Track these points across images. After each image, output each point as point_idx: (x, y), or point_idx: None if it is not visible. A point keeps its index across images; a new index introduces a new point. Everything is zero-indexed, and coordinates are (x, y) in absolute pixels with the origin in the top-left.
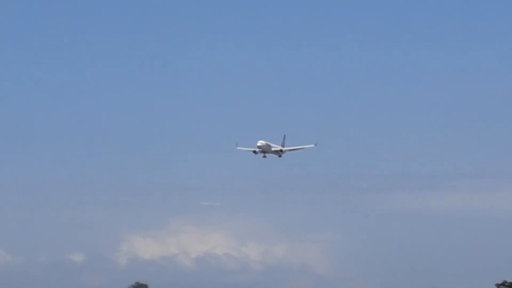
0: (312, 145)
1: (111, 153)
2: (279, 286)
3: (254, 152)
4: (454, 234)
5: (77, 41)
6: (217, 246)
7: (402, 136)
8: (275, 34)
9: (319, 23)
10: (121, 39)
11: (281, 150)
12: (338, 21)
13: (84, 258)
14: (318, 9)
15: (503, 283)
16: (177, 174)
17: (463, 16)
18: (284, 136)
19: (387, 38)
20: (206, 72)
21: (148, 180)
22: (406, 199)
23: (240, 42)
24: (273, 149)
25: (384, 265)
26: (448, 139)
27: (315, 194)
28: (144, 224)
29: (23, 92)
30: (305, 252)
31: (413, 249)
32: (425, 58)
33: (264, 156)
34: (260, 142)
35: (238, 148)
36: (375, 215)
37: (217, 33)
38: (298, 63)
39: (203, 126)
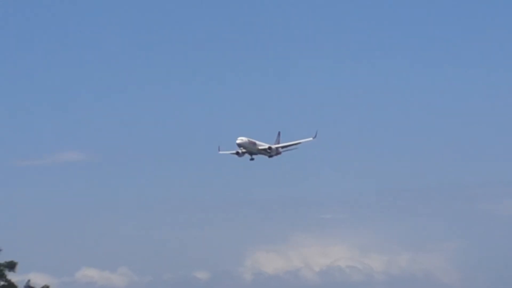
0: (310, 139)
1: (231, 169)
2: None
3: (237, 153)
4: None
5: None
6: (340, 259)
7: None
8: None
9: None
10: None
11: (269, 148)
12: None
13: (209, 275)
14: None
15: None
16: (297, 188)
17: None
18: (279, 133)
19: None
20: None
21: (268, 194)
22: None
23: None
24: (260, 147)
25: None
26: None
27: (436, 203)
28: (266, 239)
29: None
30: (429, 261)
31: None
32: None
33: (252, 159)
34: (240, 139)
35: (220, 152)
36: (501, 222)
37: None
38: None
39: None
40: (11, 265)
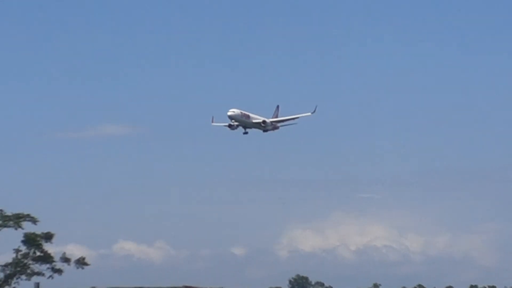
0: (309, 114)
1: (270, 148)
2: (440, 278)
3: (230, 126)
4: None
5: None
6: (377, 238)
7: None
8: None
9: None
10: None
11: (263, 122)
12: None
13: (246, 252)
14: None
15: None
16: (337, 167)
17: None
18: (277, 107)
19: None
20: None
21: (303, 174)
22: None
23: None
24: (254, 120)
25: None
26: None
27: (476, 184)
28: (304, 217)
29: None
30: (467, 243)
31: None
32: None
33: (245, 132)
34: (232, 111)
35: (213, 124)
36: None
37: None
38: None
39: (361, 120)
40: (48, 236)
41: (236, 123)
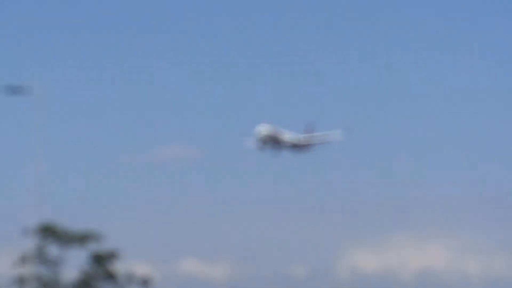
0: (339, 131)
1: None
2: None
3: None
4: None
5: None
6: (436, 260)
7: None
8: None
9: None
10: None
11: (296, 141)
12: None
13: (306, 272)
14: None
15: None
16: (394, 189)
17: None
18: (311, 125)
19: None
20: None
21: (365, 195)
22: None
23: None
24: (286, 139)
25: None
26: None
27: None
28: (363, 238)
29: None
30: None
31: None
32: None
33: (276, 153)
34: (265, 128)
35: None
36: None
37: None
38: None
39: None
40: (114, 254)
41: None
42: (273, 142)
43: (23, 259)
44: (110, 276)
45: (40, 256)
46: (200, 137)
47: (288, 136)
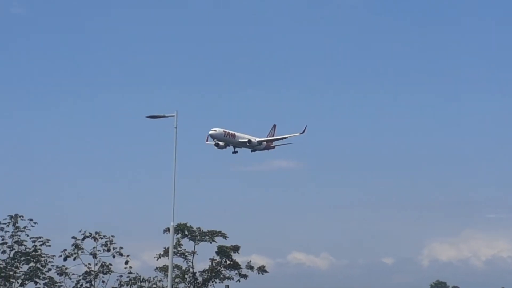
0: (297, 134)
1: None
2: None
3: (217, 145)
4: None
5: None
6: (503, 250)
7: None
8: None
9: None
10: None
11: (249, 142)
12: None
13: (394, 261)
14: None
15: None
16: (463, 189)
17: None
18: (274, 126)
19: None
20: None
21: (440, 195)
22: None
23: None
24: (240, 140)
25: None
26: None
27: None
28: (440, 233)
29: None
30: None
31: None
32: None
33: (235, 152)
34: (213, 130)
35: (207, 143)
36: None
37: None
38: None
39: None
40: (236, 248)
41: (222, 143)
42: (227, 142)
43: (165, 252)
44: (233, 265)
45: (178, 250)
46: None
47: (241, 136)
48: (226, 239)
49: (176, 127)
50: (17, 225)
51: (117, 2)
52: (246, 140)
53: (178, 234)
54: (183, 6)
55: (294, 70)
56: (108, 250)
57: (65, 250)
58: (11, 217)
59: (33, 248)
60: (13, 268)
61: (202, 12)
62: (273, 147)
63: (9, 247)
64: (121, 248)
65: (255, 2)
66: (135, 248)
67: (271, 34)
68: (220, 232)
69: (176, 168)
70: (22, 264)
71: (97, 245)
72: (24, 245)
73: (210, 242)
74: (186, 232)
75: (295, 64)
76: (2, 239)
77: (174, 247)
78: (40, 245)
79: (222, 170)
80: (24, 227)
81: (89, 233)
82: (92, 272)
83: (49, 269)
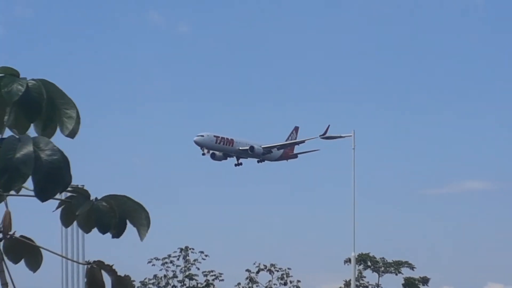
0: (317, 137)
1: None
2: None
3: (212, 156)
4: None
5: None
6: None
7: None
8: None
9: None
10: None
11: (251, 149)
12: None
13: None
14: None
15: None
16: None
17: None
18: (296, 129)
19: None
20: None
21: None
22: None
23: None
24: (240, 147)
25: None
26: None
27: None
28: None
29: None
30: None
31: None
32: None
33: (238, 163)
34: (200, 136)
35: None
36: None
37: None
38: None
39: None
40: (425, 280)
41: (220, 152)
42: (220, 150)
43: (346, 286)
44: None
45: (360, 283)
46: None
47: (242, 143)
48: (413, 270)
49: (354, 148)
50: (187, 258)
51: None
52: (248, 147)
53: (360, 265)
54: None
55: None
56: (285, 284)
57: (239, 284)
58: (181, 249)
59: (205, 283)
60: None
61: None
62: (295, 155)
63: (180, 281)
64: (298, 281)
65: None
66: (313, 281)
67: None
68: (406, 262)
69: (355, 192)
70: None
71: (272, 278)
72: (196, 280)
73: (396, 274)
74: (369, 263)
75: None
76: (173, 274)
77: (356, 280)
78: (213, 279)
79: (409, 194)
80: (195, 260)
81: (264, 265)
82: None
83: None
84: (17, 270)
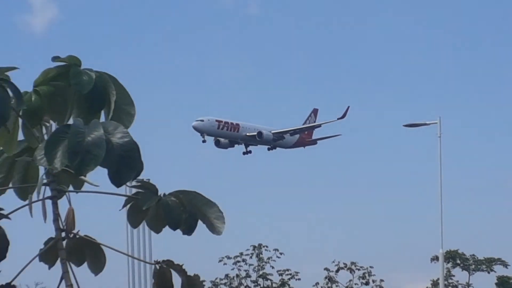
0: (335, 120)
1: None
2: None
3: (216, 143)
4: None
5: None
6: None
7: None
8: None
9: None
10: None
11: (259, 135)
12: None
13: None
14: None
15: None
16: None
17: None
18: (315, 112)
19: None
20: None
21: None
22: None
23: None
24: (247, 133)
25: None
26: None
27: None
28: None
29: None
30: None
31: None
32: None
33: (247, 151)
34: (199, 120)
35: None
36: None
37: None
38: None
39: None
40: None
41: (225, 139)
42: (225, 137)
43: (433, 285)
44: None
45: (449, 282)
46: None
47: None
48: (507, 267)
49: (440, 136)
50: (260, 256)
51: None
52: (255, 133)
53: (448, 263)
54: None
55: None
56: (367, 283)
57: (317, 283)
58: (254, 247)
59: (280, 283)
60: None
61: None
62: (314, 142)
63: (253, 281)
64: (381, 280)
65: None
66: (397, 280)
67: None
68: (499, 259)
69: (442, 184)
70: None
71: (353, 277)
72: (270, 280)
73: (488, 272)
74: (458, 261)
75: None
76: (246, 273)
77: (444, 279)
78: (289, 279)
79: (499, 186)
80: (269, 258)
81: (344, 263)
82: None
83: None
84: (81, 271)
